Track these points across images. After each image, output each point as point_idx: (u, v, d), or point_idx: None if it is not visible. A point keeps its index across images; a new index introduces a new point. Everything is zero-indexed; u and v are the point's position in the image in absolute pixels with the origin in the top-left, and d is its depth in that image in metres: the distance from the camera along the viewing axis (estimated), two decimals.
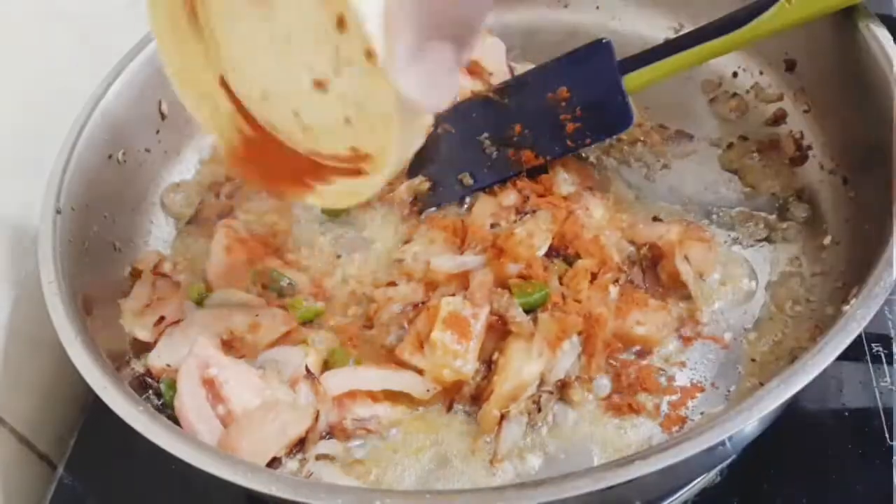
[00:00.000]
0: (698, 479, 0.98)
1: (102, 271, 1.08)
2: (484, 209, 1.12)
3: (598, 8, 1.44)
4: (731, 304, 1.05)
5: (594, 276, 1.02)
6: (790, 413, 1.03)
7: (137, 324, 1.05)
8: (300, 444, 0.93)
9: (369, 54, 0.67)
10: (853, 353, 1.08)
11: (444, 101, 0.73)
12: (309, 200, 0.90)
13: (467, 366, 0.95)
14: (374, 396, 0.97)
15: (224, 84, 0.90)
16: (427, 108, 0.75)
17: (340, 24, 0.72)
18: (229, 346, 0.99)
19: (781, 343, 1.00)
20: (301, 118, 0.85)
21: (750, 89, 1.30)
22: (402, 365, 0.97)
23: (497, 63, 1.34)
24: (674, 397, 0.97)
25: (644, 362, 1.00)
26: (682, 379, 0.99)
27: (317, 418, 0.93)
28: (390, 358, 1.01)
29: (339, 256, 1.15)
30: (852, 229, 1.05)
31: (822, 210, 1.12)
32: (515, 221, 1.09)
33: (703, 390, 0.98)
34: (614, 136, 1.21)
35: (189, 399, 0.92)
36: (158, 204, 1.23)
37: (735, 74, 1.31)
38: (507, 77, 1.32)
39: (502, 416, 0.94)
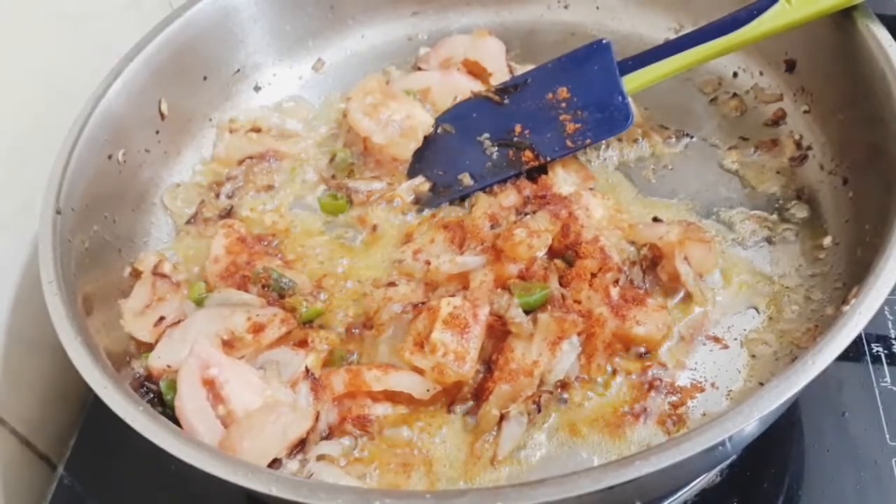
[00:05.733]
0: (698, 479, 0.98)
1: (102, 271, 1.08)
2: (484, 209, 1.12)
3: (598, 8, 1.44)
4: (731, 304, 1.05)
5: (594, 277, 1.02)
6: (790, 413, 1.03)
7: (137, 324, 1.05)
8: (301, 445, 0.93)
9: None
10: (853, 353, 1.08)
11: None
12: None
13: (467, 366, 0.95)
14: (374, 396, 0.97)
15: None
16: None
17: None
18: (229, 346, 0.99)
19: (781, 343, 1.00)
20: None
21: (750, 90, 1.30)
22: (403, 365, 0.97)
23: (497, 63, 1.34)
24: (674, 397, 0.97)
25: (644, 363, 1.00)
26: (682, 379, 0.99)
27: (317, 419, 0.93)
28: (390, 358, 1.01)
29: (339, 256, 1.15)
30: (852, 229, 1.05)
31: (822, 210, 1.12)
32: (515, 222, 1.09)
33: (703, 390, 0.98)
34: (614, 136, 1.21)
35: (189, 399, 0.92)
36: (158, 204, 1.23)
37: (735, 75, 1.31)
38: (507, 77, 1.32)
39: (502, 416, 0.94)
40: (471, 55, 1.34)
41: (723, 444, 0.72)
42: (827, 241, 1.08)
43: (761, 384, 0.95)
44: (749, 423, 0.72)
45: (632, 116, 1.17)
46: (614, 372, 0.99)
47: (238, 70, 1.36)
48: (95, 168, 1.09)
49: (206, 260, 1.12)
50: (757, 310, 1.04)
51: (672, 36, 1.34)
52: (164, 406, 0.97)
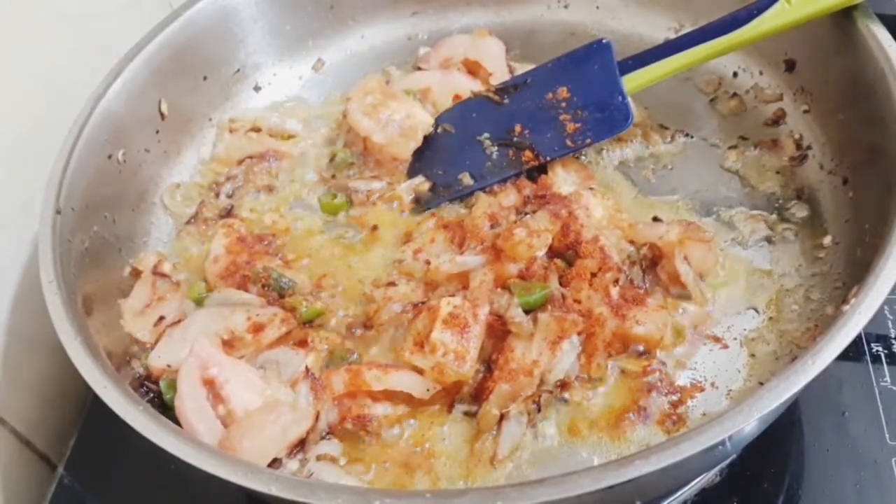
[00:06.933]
0: (698, 479, 0.98)
1: (102, 271, 1.08)
2: (484, 209, 1.12)
3: (598, 8, 1.44)
4: (731, 304, 1.05)
5: (594, 276, 1.02)
6: (790, 413, 1.03)
7: (137, 324, 1.05)
8: (300, 445, 0.93)
9: None
10: (853, 353, 1.08)
11: None
12: None
13: (467, 365, 0.95)
14: (374, 396, 0.97)
15: None
16: None
17: None
18: (229, 346, 0.99)
19: (781, 343, 1.00)
20: None
21: (750, 89, 1.30)
22: (403, 364, 0.97)
23: (497, 63, 1.34)
24: (674, 397, 0.97)
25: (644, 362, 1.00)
26: (682, 379, 0.99)
27: (317, 419, 0.93)
28: (390, 358, 1.01)
29: (339, 256, 1.15)
30: (852, 229, 1.05)
31: (822, 210, 1.12)
32: (515, 221, 1.09)
33: (703, 390, 0.98)
34: (614, 136, 1.21)
35: (189, 399, 0.92)
36: (158, 204, 1.23)
37: (735, 74, 1.31)
38: (507, 77, 1.32)
39: (502, 416, 0.94)
40: (471, 55, 1.34)
41: (723, 443, 0.72)
42: (827, 240, 1.08)
43: (761, 384, 0.95)
44: (749, 422, 0.72)
45: (632, 116, 1.17)
46: (614, 372, 0.99)
47: (238, 70, 1.36)
48: (95, 168, 1.09)
49: (206, 260, 1.12)
50: (757, 310, 1.04)
51: (672, 36, 1.34)
52: (164, 406, 0.97)
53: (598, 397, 0.97)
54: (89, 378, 0.84)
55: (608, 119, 1.17)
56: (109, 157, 1.13)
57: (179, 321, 1.04)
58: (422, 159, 1.25)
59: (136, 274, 1.12)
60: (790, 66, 1.24)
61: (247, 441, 0.87)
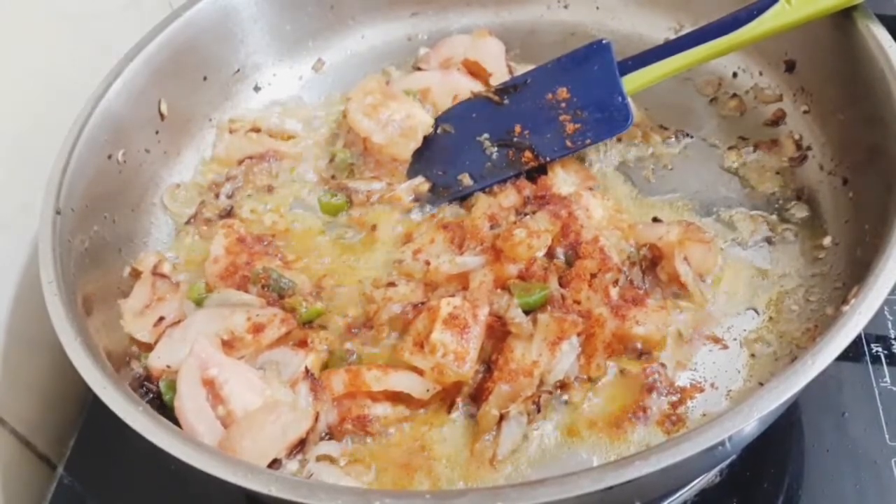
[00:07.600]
0: (698, 479, 0.99)
1: (102, 271, 1.08)
2: (484, 209, 1.12)
3: (598, 8, 1.44)
4: (731, 304, 1.05)
5: (594, 277, 1.02)
6: (790, 413, 1.03)
7: (137, 324, 1.05)
8: (300, 445, 0.93)
9: None
10: (853, 353, 1.08)
11: None
12: None
13: (467, 366, 0.95)
14: (374, 396, 0.97)
15: None
16: None
17: None
18: (229, 346, 0.99)
19: (781, 343, 1.00)
20: None
21: (750, 90, 1.30)
22: (403, 365, 0.97)
23: (497, 63, 1.34)
24: (674, 397, 0.97)
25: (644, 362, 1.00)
26: (681, 379, 0.99)
27: (317, 419, 0.93)
28: (390, 358, 1.01)
29: (339, 256, 1.15)
30: (852, 229, 1.05)
31: (822, 210, 1.12)
32: (515, 222, 1.09)
33: (702, 390, 0.98)
34: (614, 136, 1.21)
35: (189, 400, 0.92)
36: (158, 204, 1.23)
37: (735, 75, 1.31)
38: (507, 77, 1.32)
39: (502, 417, 0.93)
40: (471, 55, 1.34)
41: (722, 444, 0.72)
42: (827, 241, 1.08)
43: (761, 384, 0.95)
44: (749, 423, 0.72)
45: (631, 116, 1.17)
46: (614, 372, 0.99)
47: (238, 70, 1.36)
48: (95, 168, 1.09)
49: (206, 260, 1.12)
50: (757, 310, 1.04)
51: (672, 36, 1.34)
52: (163, 406, 0.97)
53: (597, 398, 0.97)
54: (89, 378, 0.84)
55: (608, 119, 1.17)
56: (109, 157, 1.13)
57: (179, 321, 1.04)
58: (422, 160, 1.25)
59: (136, 274, 1.12)
60: (790, 66, 1.24)
61: (247, 441, 0.87)
